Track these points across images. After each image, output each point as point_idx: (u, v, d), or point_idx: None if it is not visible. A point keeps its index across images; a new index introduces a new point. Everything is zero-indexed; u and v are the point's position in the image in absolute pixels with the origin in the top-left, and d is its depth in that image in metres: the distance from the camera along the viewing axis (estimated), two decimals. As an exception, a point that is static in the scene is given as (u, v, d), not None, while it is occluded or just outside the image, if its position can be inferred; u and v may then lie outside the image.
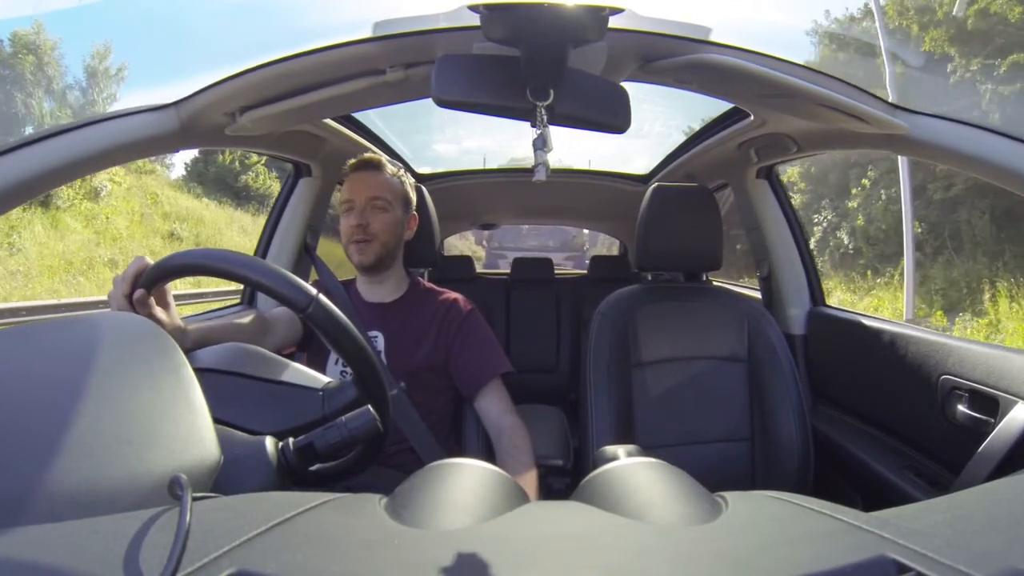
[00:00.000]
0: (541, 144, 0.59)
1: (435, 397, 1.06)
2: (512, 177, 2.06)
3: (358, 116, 1.37)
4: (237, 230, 12.21)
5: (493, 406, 1.05)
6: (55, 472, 0.30)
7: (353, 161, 1.09)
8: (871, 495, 1.02)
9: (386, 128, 1.62)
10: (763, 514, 0.36)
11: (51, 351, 0.38)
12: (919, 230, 7.08)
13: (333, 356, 1.04)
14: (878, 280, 7.99)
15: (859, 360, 1.17)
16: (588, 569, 0.28)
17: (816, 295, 1.42)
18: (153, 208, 11.11)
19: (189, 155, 14.11)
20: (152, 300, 0.61)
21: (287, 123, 1.04)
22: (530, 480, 0.95)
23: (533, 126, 0.59)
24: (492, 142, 2.11)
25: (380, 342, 1.05)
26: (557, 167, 2.01)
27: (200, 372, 0.43)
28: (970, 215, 6.94)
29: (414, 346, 1.05)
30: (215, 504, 0.32)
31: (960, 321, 6.06)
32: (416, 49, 0.80)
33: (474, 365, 1.06)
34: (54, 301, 5.98)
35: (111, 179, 10.05)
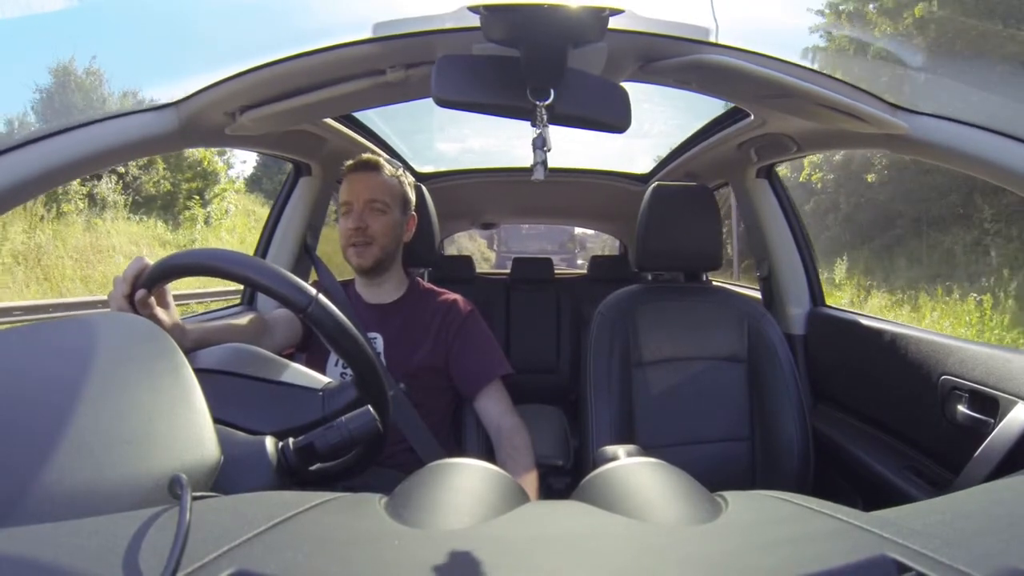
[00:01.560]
0: (540, 144, 0.58)
1: (435, 397, 1.06)
2: (512, 176, 2.06)
3: (358, 115, 1.37)
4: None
5: (493, 407, 1.05)
6: (55, 472, 0.30)
7: (351, 162, 1.08)
8: (871, 495, 1.02)
9: (386, 128, 1.62)
10: (763, 514, 0.36)
11: (52, 351, 0.38)
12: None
13: (333, 357, 1.04)
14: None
15: (859, 360, 1.17)
16: (588, 569, 0.28)
17: (816, 295, 1.42)
18: (257, 223, 12.50)
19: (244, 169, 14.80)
20: (152, 300, 0.61)
21: (287, 123, 1.04)
22: (530, 480, 0.95)
23: (533, 126, 0.59)
24: (494, 142, 2.10)
25: (379, 343, 1.05)
26: (557, 166, 2.01)
27: (200, 372, 0.43)
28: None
29: (413, 347, 1.05)
30: (215, 504, 0.32)
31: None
32: (416, 50, 0.80)
33: (474, 366, 1.06)
34: (54, 300, 6.00)
35: (231, 202, 11.70)
